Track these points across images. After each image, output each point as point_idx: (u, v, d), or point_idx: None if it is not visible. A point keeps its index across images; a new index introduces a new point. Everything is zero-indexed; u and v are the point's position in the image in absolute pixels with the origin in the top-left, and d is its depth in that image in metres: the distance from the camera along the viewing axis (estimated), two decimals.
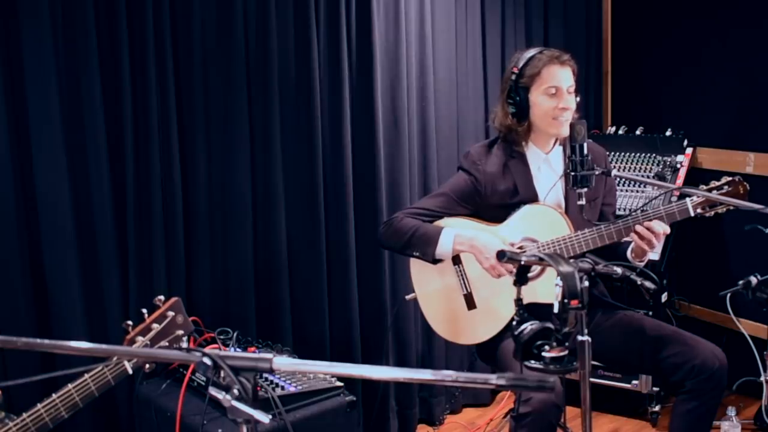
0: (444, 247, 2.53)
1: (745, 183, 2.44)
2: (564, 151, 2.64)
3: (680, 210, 2.45)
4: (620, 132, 3.75)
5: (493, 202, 2.59)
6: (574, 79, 2.57)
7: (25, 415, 1.85)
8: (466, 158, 2.66)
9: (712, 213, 2.44)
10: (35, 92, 2.55)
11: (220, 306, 2.97)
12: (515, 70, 2.57)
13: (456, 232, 2.53)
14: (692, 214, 2.44)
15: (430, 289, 2.65)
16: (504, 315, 2.54)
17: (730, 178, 2.44)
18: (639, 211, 2.49)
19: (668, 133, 3.63)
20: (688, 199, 2.45)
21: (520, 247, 2.54)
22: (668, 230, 2.45)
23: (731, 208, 2.42)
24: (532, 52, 2.58)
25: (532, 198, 2.59)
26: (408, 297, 2.74)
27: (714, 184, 2.45)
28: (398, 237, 2.58)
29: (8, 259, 2.54)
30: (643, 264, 2.55)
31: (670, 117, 3.80)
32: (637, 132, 3.71)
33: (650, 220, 2.43)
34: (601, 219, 2.63)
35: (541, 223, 2.55)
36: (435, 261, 2.57)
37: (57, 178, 2.60)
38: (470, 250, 2.51)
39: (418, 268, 2.66)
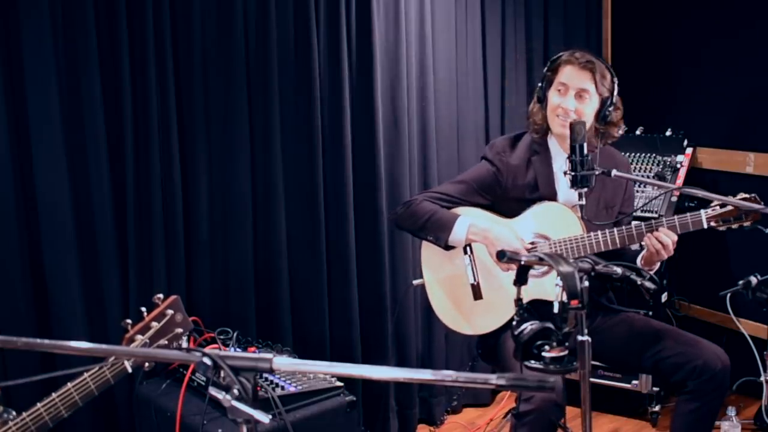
0: (458, 234, 2.54)
1: (760, 201, 2.38)
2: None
3: (694, 221, 2.44)
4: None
5: (512, 195, 2.61)
6: (593, 86, 2.54)
7: (25, 414, 1.85)
8: (491, 149, 2.68)
9: (725, 228, 2.43)
10: (35, 92, 2.55)
11: (220, 306, 2.97)
12: (548, 64, 2.62)
13: (471, 221, 2.55)
14: (705, 227, 2.43)
15: (439, 275, 2.65)
16: (508, 309, 2.53)
17: (746, 195, 2.39)
18: (653, 221, 2.46)
19: (668, 133, 3.63)
20: (702, 211, 2.43)
21: (532, 243, 2.55)
22: (675, 238, 2.43)
23: (745, 226, 2.40)
24: (565, 52, 2.62)
25: (551, 195, 2.60)
26: (415, 282, 2.75)
27: (731, 198, 2.39)
28: (414, 220, 2.60)
29: (8, 259, 2.54)
30: (653, 272, 2.54)
31: (670, 117, 3.80)
32: (637, 132, 3.71)
33: (657, 230, 2.42)
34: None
35: (555, 220, 2.56)
36: (447, 247, 2.58)
37: (57, 178, 2.60)
38: (483, 240, 2.53)
39: (428, 253, 2.67)
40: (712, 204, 2.43)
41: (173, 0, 2.78)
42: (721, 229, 2.43)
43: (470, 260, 2.60)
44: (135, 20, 2.69)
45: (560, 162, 2.62)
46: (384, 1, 3.22)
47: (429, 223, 2.58)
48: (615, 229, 2.48)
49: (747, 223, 2.40)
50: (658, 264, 2.55)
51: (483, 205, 2.65)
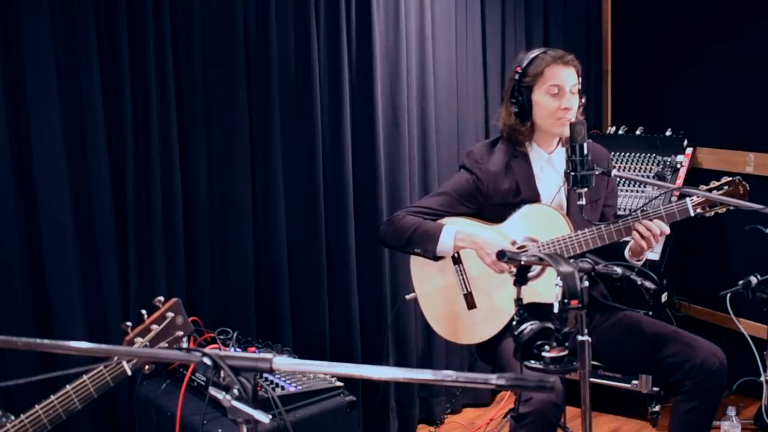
0: (445, 243, 2.53)
1: (744, 183, 2.45)
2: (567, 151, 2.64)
3: (680, 210, 2.45)
4: (620, 132, 3.75)
5: (495, 202, 2.59)
6: (578, 80, 2.57)
7: (23, 416, 1.84)
8: (468, 157, 2.66)
9: (712, 213, 2.45)
10: (35, 92, 2.54)
11: (220, 306, 2.97)
12: (518, 70, 2.58)
13: (458, 228, 2.54)
14: (692, 214, 2.44)
15: (430, 288, 2.65)
16: (504, 314, 2.54)
17: (730, 178, 2.45)
18: (639, 211, 2.49)
19: (668, 133, 3.63)
20: (688, 199, 2.45)
21: (522, 246, 2.54)
22: (667, 230, 2.45)
23: (731, 208, 2.42)
24: (535, 52, 2.59)
25: (534, 198, 2.59)
26: (408, 297, 2.74)
27: (714, 184, 2.45)
28: (400, 235, 2.59)
29: (8, 259, 2.54)
30: (641, 263, 2.56)
31: (670, 117, 3.80)
32: (637, 132, 3.71)
33: (650, 220, 2.43)
34: (602, 220, 2.63)
35: (542, 222, 2.55)
36: (436, 258, 2.57)
37: (57, 178, 2.60)
38: (472, 246, 2.51)
39: (418, 267, 2.66)
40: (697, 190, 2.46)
41: (173, 0, 2.78)
42: (709, 215, 2.45)
43: (460, 270, 2.60)
44: (135, 20, 2.69)
45: (540, 162, 2.62)
46: (384, 1, 3.22)
47: (415, 235, 2.55)
48: (602, 226, 2.47)
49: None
50: (645, 256, 2.55)
51: (467, 213, 2.63)
